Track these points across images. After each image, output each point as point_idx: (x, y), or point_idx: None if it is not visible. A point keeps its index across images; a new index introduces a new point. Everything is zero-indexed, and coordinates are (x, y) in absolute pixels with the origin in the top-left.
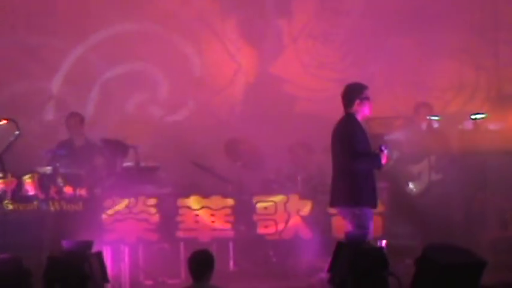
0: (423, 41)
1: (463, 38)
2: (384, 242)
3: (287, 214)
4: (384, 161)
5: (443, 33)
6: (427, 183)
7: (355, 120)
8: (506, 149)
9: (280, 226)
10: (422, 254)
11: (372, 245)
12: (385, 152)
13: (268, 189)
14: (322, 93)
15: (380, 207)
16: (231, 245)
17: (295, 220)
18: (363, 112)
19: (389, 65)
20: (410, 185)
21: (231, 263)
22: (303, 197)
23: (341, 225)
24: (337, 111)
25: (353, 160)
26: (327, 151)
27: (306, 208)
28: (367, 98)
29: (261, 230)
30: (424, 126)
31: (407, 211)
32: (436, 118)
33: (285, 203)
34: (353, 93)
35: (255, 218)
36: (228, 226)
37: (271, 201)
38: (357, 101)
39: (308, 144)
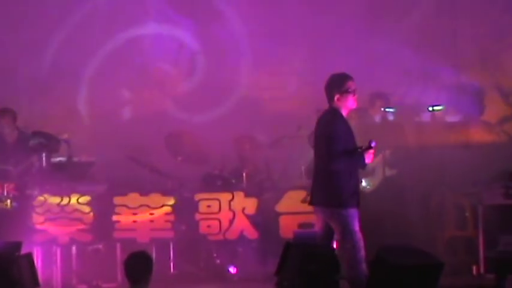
0: (378, 30)
1: (420, 26)
2: (335, 243)
3: (232, 213)
4: (369, 159)
5: (398, 21)
6: (381, 179)
7: (337, 115)
8: (464, 143)
9: (224, 225)
10: (376, 255)
11: (323, 246)
12: (374, 147)
13: (211, 186)
14: (270, 86)
15: None
16: (171, 246)
17: (240, 219)
18: (345, 106)
19: (343, 56)
20: (364, 182)
21: (171, 266)
22: (248, 194)
23: (289, 224)
24: (284, 104)
25: (331, 161)
26: (275, 145)
27: (252, 206)
28: (349, 91)
29: (203, 230)
30: (378, 118)
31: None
32: (392, 110)
33: (230, 201)
34: (331, 86)
35: (197, 217)
36: (168, 226)
37: (215, 198)
38: (337, 96)
39: (254, 138)
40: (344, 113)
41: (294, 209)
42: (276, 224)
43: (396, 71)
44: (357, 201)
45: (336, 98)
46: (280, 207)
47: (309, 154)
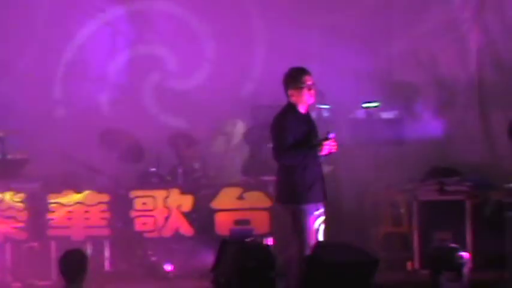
0: (313, 25)
1: (355, 21)
2: (271, 240)
3: (167, 210)
4: (325, 151)
5: (331, 17)
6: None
7: (290, 110)
8: (399, 139)
9: (160, 223)
10: (310, 253)
11: (259, 243)
12: (332, 139)
13: (146, 183)
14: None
15: (267, 202)
16: (106, 243)
17: (176, 216)
18: (301, 101)
19: (276, 52)
20: None
21: (107, 263)
22: (184, 191)
23: (225, 221)
24: (220, 100)
25: (279, 156)
26: (211, 141)
27: (188, 203)
28: (303, 87)
29: (139, 227)
30: (313, 115)
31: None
32: (326, 107)
33: (165, 198)
34: (286, 82)
35: (132, 214)
36: (104, 223)
37: (150, 196)
38: (290, 91)
39: (189, 134)
40: (301, 108)
41: (230, 206)
42: (211, 221)
43: (330, 67)
44: (316, 196)
45: (289, 93)
46: (216, 204)
47: (246, 150)
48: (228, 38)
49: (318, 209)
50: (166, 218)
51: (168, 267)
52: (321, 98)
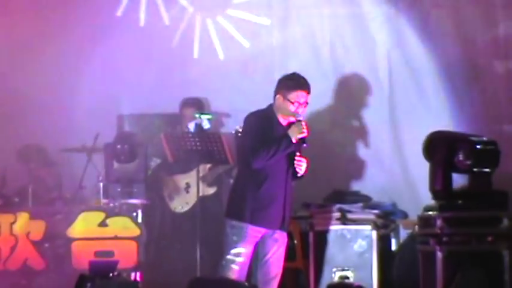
0: None
1: None
2: (138, 275)
3: (14, 238)
4: (299, 133)
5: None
6: (197, 199)
7: (266, 113)
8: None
9: (5, 253)
10: None
11: (124, 278)
12: (301, 119)
13: None
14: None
15: (134, 229)
16: None
17: (24, 246)
18: (282, 112)
19: None
20: (175, 203)
21: None
22: (34, 216)
23: (84, 252)
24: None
25: (251, 157)
26: (68, 157)
27: (39, 230)
28: (293, 101)
29: None
30: (192, 126)
31: (171, 235)
32: (208, 117)
33: (12, 224)
34: (277, 85)
35: None
36: None
37: None
38: (277, 95)
39: (43, 149)
40: (282, 120)
41: (90, 234)
42: (67, 252)
43: (213, 73)
44: (267, 220)
45: (276, 98)
46: (73, 231)
47: (110, 168)
48: None
49: (268, 234)
50: (13, 248)
51: None
52: (199, 106)
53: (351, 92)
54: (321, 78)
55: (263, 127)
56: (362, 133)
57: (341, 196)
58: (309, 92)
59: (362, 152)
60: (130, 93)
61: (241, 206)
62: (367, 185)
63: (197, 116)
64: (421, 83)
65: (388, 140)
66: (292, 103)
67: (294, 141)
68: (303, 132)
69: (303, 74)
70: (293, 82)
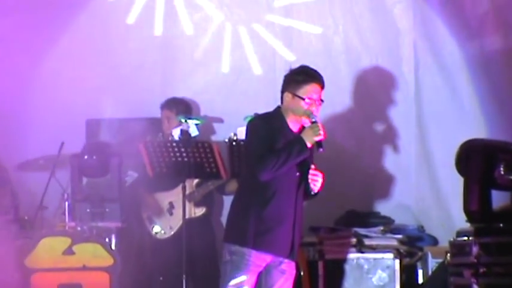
0: None
1: None
2: None
3: None
4: (315, 136)
5: None
6: (182, 222)
7: (274, 116)
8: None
9: None
10: None
11: None
12: (316, 120)
13: None
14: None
15: (106, 258)
16: None
17: None
18: (296, 116)
19: None
20: (156, 227)
21: None
22: None
23: (46, 285)
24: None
25: (257, 166)
26: (25, 169)
27: None
28: (304, 98)
29: None
30: (176, 133)
31: (151, 266)
32: (196, 121)
33: None
34: (284, 82)
35: None
36: None
37: None
38: (285, 93)
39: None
40: (291, 120)
41: (53, 264)
42: (26, 286)
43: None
44: (273, 245)
45: (284, 95)
46: (33, 261)
47: (77, 184)
48: None
49: (274, 263)
50: None
51: None
52: (185, 108)
53: (369, 91)
54: (331, 74)
55: (271, 131)
56: (381, 141)
57: (356, 218)
58: (323, 87)
59: (382, 164)
60: (103, 95)
61: (243, 228)
62: (388, 204)
63: (183, 120)
64: (453, 81)
65: (414, 149)
66: (304, 100)
67: (309, 145)
68: (320, 135)
69: None
70: (303, 75)
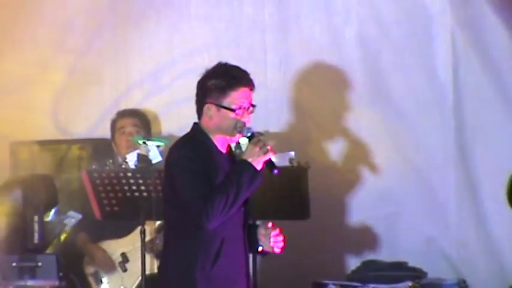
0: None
1: None
2: None
3: None
4: (263, 154)
5: None
6: (140, 279)
7: (196, 138)
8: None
9: None
10: None
11: None
12: (254, 131)
13: None
14: None
15: None
16: None
17: None
18: (223, 134)
19: None
20: (105, 285)
21: None
22: None
23: None
24: None
25: (200, 213)
26: None
27: None
28: (233, 107)
29: None
30: (132, 159)
31: None
32: (158, 143)
33: None
34: (201, 91)
35: None
36: None
37: None
38: (206, 106)
39: None
40: (216, 139)
41: None
42: None
43: None
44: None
45: (205, 109)
46: None
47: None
48: None
49: None
50: None
51: None
52: (144, 125)
53: (391, 99)
54: (341, 77)
55: (205, 161)
56: (409, 167)
57: (376, 269)
58: (252, 88)
59: (409, 198)
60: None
61: (183, 270)
62: (418, 251)
63: (140, 142)
64: (505, 86)
65: (453, 177)
66: (234, 111)
67: (258, 168)
68: (268, 151)
69: (311, 69)
70: (226, 78)
